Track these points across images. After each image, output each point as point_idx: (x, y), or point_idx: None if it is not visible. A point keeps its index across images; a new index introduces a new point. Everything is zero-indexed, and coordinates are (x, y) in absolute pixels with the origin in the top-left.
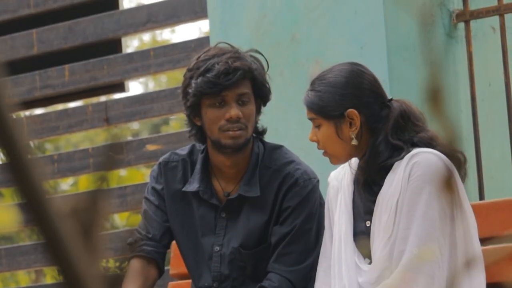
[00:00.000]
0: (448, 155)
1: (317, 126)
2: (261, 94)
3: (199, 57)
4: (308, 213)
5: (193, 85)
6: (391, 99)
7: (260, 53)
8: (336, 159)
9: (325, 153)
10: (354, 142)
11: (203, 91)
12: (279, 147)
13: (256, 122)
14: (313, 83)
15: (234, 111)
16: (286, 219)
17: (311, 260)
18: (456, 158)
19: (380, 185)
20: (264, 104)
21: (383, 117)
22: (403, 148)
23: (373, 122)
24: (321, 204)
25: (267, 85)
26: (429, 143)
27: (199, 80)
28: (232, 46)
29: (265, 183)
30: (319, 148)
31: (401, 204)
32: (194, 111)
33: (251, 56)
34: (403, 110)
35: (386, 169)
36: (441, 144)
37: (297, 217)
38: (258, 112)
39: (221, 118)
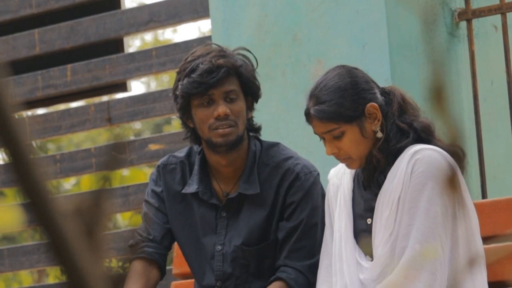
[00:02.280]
0: (447, 150)
1: (337, 136)
2: (250, 91)
3: (186, 58)
4: (312, 207)
5: (180, 87)
6: (384, 88)
7: (248, 50)
8: (359, 162)
9: (346, 160)
10: (379, 134)
11: (189, 92)
12: (275, 144)
13: (250, 119)
14: (316, 97)
15: (221, 108)
16: (292, 214)
17: (320, 255)
18: (455, 153)
19: (384, 175)
20: (256, 101)
21: (387, 103)
22: (409, 131)
23: (382, 110)
24: (323, 196)
25: (256, 82)
26: (428, 129)
27: (185, 81)
28: (218, 46)
29: (263, 180)
30: (339, 157)
31: (403, 201)
32: (185, 113)
33: (240, 54)
34: (403, 93)
35: (393, 155)
36: (438, 136)
37: (302, 211)
38: (250, 109)
39: (209, 117)
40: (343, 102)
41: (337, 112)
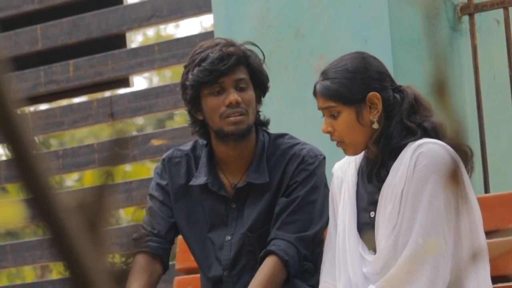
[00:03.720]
0: (455, 148)
1: (333, 115)
2: (259, 82)
3: (194, 51)
4: (312, 185)
5: (190, 77)
6: (400, 85)
7: (255, 44)
8: (353, 148)
9: (340, 143)
10: (376, 125)
11: (200, 80)
12: (283, 135)
13: (258, 112)
14: (325, 73)
15: (233, 95)
16: (292, 192)
17: (315, 231)
18: (463, 151)
19: (387, 170)
20: (264, 94)
21: (398, 100)
22: (416, 130)
23: (389, 105)
24: (326, 185)
25: (265, 73)
26: (439, 130)
27: (196, 70)
28: (225, 39)
29: (270, 169)
30: (334, 139)
31: (406, 194)
32: (194, 105)
33: (246, 48)
34: (417, 94)
35: (396, 152)
36: (450, 134)
37: (302, 188)
38: (259, 101)
39: (221, 105)
40: (345, 83)
41: (337, 91)
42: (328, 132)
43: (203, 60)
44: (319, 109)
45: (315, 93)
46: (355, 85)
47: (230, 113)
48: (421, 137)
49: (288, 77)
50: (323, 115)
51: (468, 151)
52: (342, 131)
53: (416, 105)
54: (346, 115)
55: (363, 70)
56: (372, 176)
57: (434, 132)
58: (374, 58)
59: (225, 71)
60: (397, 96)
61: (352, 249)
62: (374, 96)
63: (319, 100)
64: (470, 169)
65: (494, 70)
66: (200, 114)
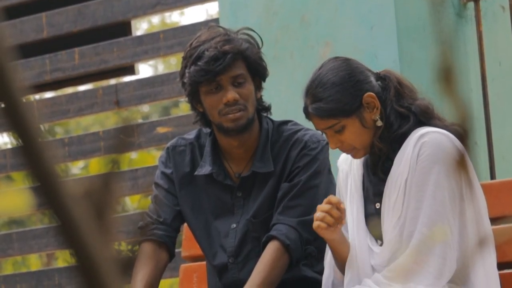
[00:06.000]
0: (449, 129)
1: (338, 131)
2: (257, 73)
3: (191, 44)
4: (315, 170)
5: (187, 74)
6: (379, 72)
7: (252, 30)
8: (364, 151)
9: (351, 150)
10: (379, 123)
11: (197, 80)
12: (286, 122)
13: (259, 99)
14: (312, 95)
15: (230, 94)
16: (294, 177)
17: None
18: (457, 132)
19: (391, 161)
20: (264, 80)
21: (384, 88)
22: (409, 115)
23: (380, 97)
24: (330, 171)
25: (262, 62)
26: (427, 112)
27: (192, 69)
28: (223, 28)
29: (275, 156)
30: (344, 150)
31: (410, 184)
32: (194, 99)
33: (244, 33)
34: (398, 76)
35: (398, 141)
36: (438, 115)
37: (304, 173)
38: (259, 88)
39: (219, 103)
40: (339, 97)
41: (335, 108)
42: (337, 147)
43: (199, 58)
44: (318, 129)
45: (309, 117)
46: (349, 95)
47: (229, 111)
48: (414, 122)
49: (294, 65)
50: (323, 133)
51: (461, 132)
52: (351, 141)
53: (401, 88)
54: (351, 125)
55: (349, 77)
56: (377, 169)
57: (423, 116)
58: (349, 60)
59: (221, 71)
60: (380, 83)
61: (361, 241)
62: (368, 96)
63: (317, 123)
64: (466, 149)
65: (500, 56)
66: (200, 107)
